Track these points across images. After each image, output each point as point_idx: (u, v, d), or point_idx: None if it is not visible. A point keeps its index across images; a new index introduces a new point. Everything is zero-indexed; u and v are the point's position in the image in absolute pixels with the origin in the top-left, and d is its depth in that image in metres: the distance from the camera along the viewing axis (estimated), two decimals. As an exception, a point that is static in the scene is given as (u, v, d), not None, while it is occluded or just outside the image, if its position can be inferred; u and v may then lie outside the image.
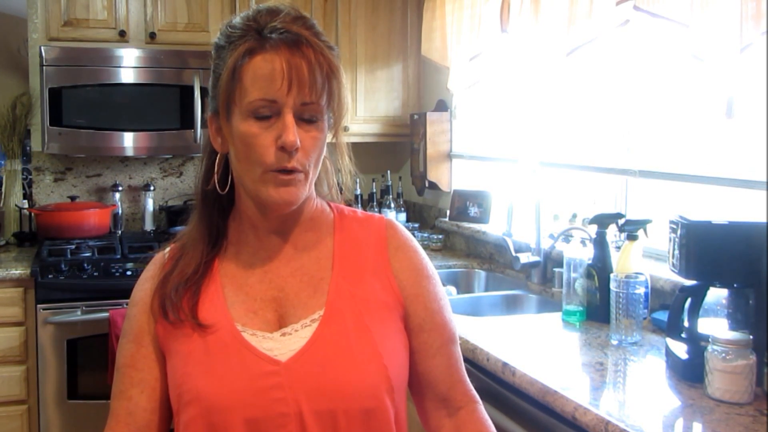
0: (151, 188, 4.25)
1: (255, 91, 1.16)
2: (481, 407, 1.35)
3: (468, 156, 4.04)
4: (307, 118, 1.18)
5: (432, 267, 1.36)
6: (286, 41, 1.16)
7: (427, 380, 1.32)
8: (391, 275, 1.30)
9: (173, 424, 1.26)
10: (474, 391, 1.36)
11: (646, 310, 2.38)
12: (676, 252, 2.01)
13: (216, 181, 1.26)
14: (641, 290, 2.27)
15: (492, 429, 1.33)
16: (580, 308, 2.52)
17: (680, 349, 1.98)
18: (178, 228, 1.36)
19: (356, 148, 3.79)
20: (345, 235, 1.32)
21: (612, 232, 2.66)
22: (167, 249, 1.33)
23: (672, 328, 2.00)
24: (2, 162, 4.02)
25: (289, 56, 1.15)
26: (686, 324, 1.97)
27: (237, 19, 1.22)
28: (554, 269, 2.98)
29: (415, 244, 1.36)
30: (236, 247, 1.30)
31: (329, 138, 1.25)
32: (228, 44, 1.20)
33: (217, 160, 1.26)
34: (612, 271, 2.42)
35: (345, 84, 1.22)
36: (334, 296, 1.25)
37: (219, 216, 1.31)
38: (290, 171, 1.17)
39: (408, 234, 1.36)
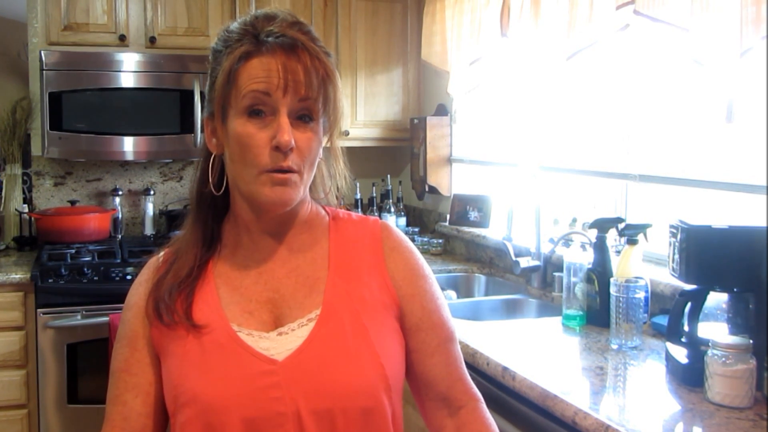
0: (151, 192, 4.25)
1: (250, 87, 1.17)
2: (483, 405, 1.35)
3: (468, 160, 4.04)
4: (302, 120, 1.19)
5: (428, 267, 1.36)
6: (282, 45, 1.17)
7: (427, 379, 1.32)
8: (387, 275, 1.30)
9: (169, 427, 1.26)
10: (475, 390, 1.36)
11: (646, 315, 2.38)
12: (676, 256, 2.01)
13: (212, 183, 1.27)
14: (641, 294, 2.26)
15: (494, 427, 1.33)
16: (580, 312, 2.52)
17: (680, 354, 1.97)
18: (178, 232, 1.36)
19: (356, 152, 3.78)
20: (340, 236, 1.32)
21: (612, 237, 2.66)
22: (161, 253, 1.34)
23: (672, 333, 1.99)
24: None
25: (285, 59, 1.17)
26: (686, 328, 1.97)
27: (234, 24, 1.23)
28: (554, 273, 2.98)
29: (410, 245, 1.36)
30: (231, 250, 1.30)
31: (324, 142, 1.26)
32: (225, 48, 1.21)
33: (211, 162, 1.27)
34: (612, 276, 2.42)
35: (340, 89, 1.23)
36: (330, 295, 1.25)
37: (213, 219, 1.31)
38: (285, 171, 1.18)
39: (403, 235, 1.37)
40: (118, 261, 3.66)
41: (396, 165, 4.63)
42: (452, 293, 3.31)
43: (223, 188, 1.27)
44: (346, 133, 4.10)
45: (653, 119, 2.76)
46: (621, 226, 2.58)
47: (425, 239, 3.97)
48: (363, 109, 4.21)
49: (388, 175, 4.36)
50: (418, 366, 1.31)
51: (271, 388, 1.18)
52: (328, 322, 1.22)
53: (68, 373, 3.42)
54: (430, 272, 1.36)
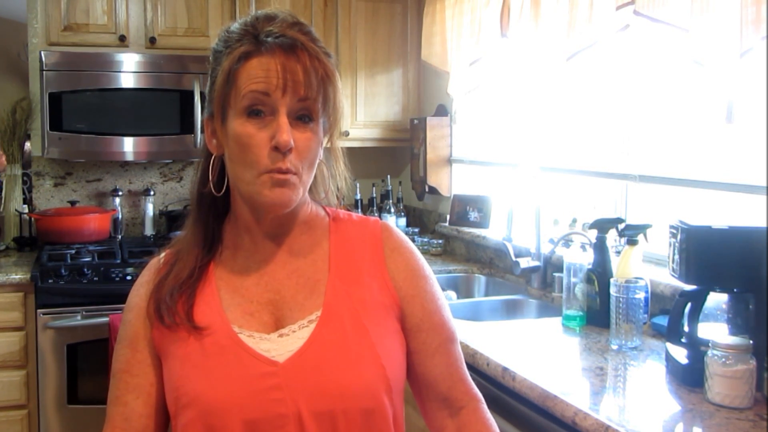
0: (151, 193, 4.25)
1: (249, 87, 1.17)
2: (483, 405, 1.35)
3: (468, 161, 4.04)
4: (301, 120, 1.19)
5: (428, 268, 1.36)
6: (281, 45, 1.17)
7: (428, 380, 1.32)
8: (387, 276, 1.30)
9: (170, 428, 1.26)
10: (476, 390, 1.36)
11: (646, 315, 2.38)
12: (676, 257, 2.01)
13: (212, 184, 1.27)
14: (641, 295, 2.26)
15: (494, 427, 1.33)
16: (580, 313, 2.52)
17: (680, 354, 1.97)
18: (178, 233, 1.36)
19: (356, 152, 3.78)
20: (340, 237, 1.32)
21: (612, 237, 2.66)
22: (162, 254, 1.34)
23: (672, 333, 1.99)
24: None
25: (285, 60, 1.17)
26: (686, 329, 1.97)
27: (235, 25, 1.24)
28: (554, 274, 2.98)
29: (411, 245, 1.36)
30: (232, 251, 1.30)
31: (324, 143, 1.26)
32: (225, 48, 1.21)
33: (212, 163, 1.27)
34: (612, 276, 2.42)
35: (340, 89, 1.23)
36: (331, 297, 1.25)
37: (214, 220, 1.31)
38: (284, 171, 1.18)
39: (403, 236, 1.37)
40: (118, 261, 3.66)
41: (396, 165, 4.63)
42: (452, 293, 3.31)
43: (223, 189, 1.27)
44: (346, 134, 4.10)
45: (653, 120, 2.76)
46: (621, 226, 2.58)
47: (425, 240, 3.97)
48: (363, 110, 4.20)
49: (388, 176, 4.36)
50: (419, 367, 1.31)
51: (272, 390, 1.17)
52: (328, 324, 1.22)
53: (68, 373, 3.42)
54: (431, 273, 1.36)
